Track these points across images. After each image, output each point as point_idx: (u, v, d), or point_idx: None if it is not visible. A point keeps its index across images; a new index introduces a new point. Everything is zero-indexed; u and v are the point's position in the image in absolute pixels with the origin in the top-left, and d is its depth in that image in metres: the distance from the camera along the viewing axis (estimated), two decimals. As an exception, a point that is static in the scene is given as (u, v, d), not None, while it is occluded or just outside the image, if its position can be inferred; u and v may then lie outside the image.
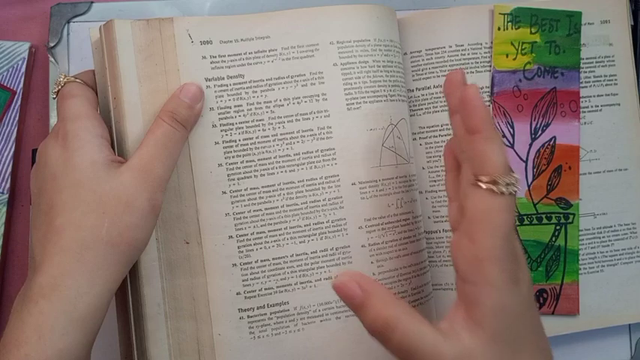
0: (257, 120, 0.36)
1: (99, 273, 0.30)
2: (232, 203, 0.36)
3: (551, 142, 0.42)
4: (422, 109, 0.42)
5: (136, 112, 0.35)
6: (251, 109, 0.36)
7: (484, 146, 0.28)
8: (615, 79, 0.43)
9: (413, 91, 0.42)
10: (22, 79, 0.43)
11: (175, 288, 0.35)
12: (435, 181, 0.41)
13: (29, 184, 0.34)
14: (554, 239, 0.42)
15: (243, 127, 0.36)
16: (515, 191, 0.27)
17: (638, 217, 0.43)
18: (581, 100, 0.43)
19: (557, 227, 0.42)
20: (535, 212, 0.42)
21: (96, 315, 0.30)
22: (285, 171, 0.36)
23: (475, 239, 0.27)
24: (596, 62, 0.43)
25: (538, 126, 0.42)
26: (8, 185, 0.42)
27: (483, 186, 0.27)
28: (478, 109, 0.28)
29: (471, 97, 0.28)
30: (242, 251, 0.36)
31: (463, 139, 0.29)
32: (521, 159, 0.42)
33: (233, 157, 0.36)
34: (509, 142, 0.42)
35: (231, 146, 0.36)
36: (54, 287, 0.29)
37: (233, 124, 0.36)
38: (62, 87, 0.34)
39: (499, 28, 0.42)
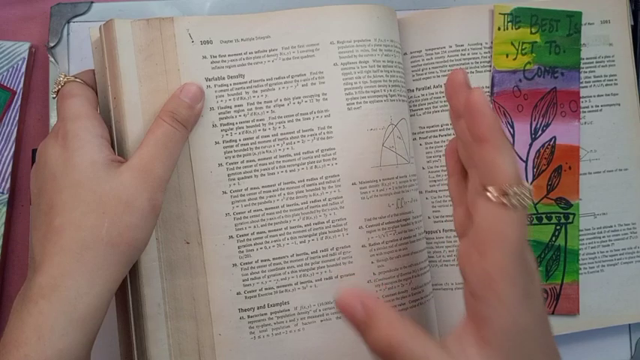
0: (257, 120, 0.36)
1: (99, 273, 0.30)
2: (233, 203, 0.36)
3: (552, 142, 0.42)
4: (422, 109, 0.42)
5: (136, 111, 0.35)
6: (251, 109, 0.36)
7: (493, 155, 0.26)
8: (615, 79, 0.43)
9: (413, 91, 0.42)
10: (22, 79, 0.43)
11: (175, 288, 0.35)
12: (435, 181, 0.41)
13: (29, 184, 0.34)
14: (554, 239, 0.42)
15: (243, 127, 0.36)
16: (528, 203, 0.26)
17: (638, 217, 0.43)
18: (581, 100, 0.43)
19: (558, 227, 0.42)
20: (535, 212, 0.42)
21: (96, 315, 0.30)
22: (286, 171, 0.36)
23: (485, 254, 0.26)
24: (597, 62, 0.43)
25: (538, 126, 0.42)
26: (8, 185, 0.42)
27: (493, 198, 0.26)
28: (485, 116, 0.26)
29: (476, 102, 0.27)
30: (242, 251, 0.36)
31: (469, 145, 0.28)
32: (521, 159, 0.42)
33: (233, 156, 0.36)
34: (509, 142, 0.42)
35: (232, 146, 0.36)
36: (54, 287, 0.29)
37: (233, 124, 0.36)
38: (62, 86, 0.34)
39: (499, 28, 0.42)
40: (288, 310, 0.36)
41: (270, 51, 0.37)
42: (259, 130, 0.36)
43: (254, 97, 0.36)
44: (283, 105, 0.37)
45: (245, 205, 0.36)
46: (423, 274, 0.39)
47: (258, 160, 0.36)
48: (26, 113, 0.44)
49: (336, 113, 0.37)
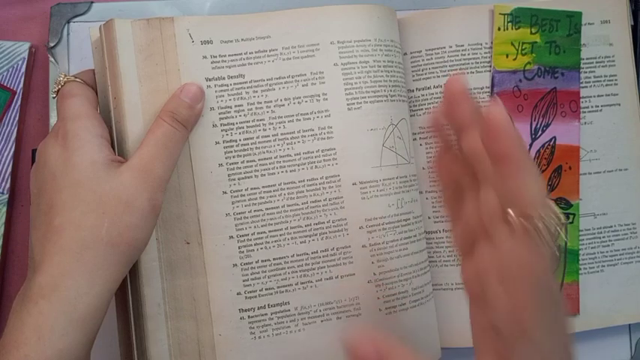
0: (258, 120, 0.36)
1: (99, 273, 0.30)
2: (233, 203, 0.36)
3: (552, 143, 0.42)
4: (422, 109, 0.42)
5: (137, 111, 0.34)
6: (251, 109, 0.36)
7: (516, 176, 0.24)
8: (615, 79, 0.43)
9: (413, 91, 0.42)
10: (22, 79, 0.43)
11: (176, 288, 0.35)
12: (435, 181, 0.41)
13: (29, 184, 0.34)
14: (554, 239, 0.42)
15: (243, 127, 0.36)
16: (559, 231, 0.23)
17: (638, 217, 0.43)
18: (581, 100, 0.43)
19: (558, 227, 0.42)
20: (535, 212, 0.42)
21: (96, 315, 0.30)
22: (286, 171, 0.36)
23: (509, 286, 0.24)
24: (597, 62, 0.43)
25: (538, 126, 0.42)
26: (8, 185, 0.42)
27: (515, 223, 0.23)
28: (508, 135, 0.24)
29: (499, 120, 0.24)
30: (243, 251, 0.36)
31: (481, 162, 0.25)
32: (521, 159, 0.42)
33: (234, 157, 0.36)
34: (509, 142, 0.42)
35: (232, 146, 0.36)
36: (53, 287, 0.29)
37: (234, 124, 0.36)
38: (62, 86, 0.34)
39: (499, 29, 0.42)
40: (289, 310, 0.36)
41: (270, 51, 0.37)
42: (259, 130, 0.36)
43: (254, 97, 0.36)
44: (283, 105, 0.37)
45: (245, 206, 0.36)
46: (424, 275, 0.39)
47: (259, 160, 0.36)
48: (26, 113, 0.44)
49: (336, 113, 0.37)
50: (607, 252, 0.43)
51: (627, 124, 0.43)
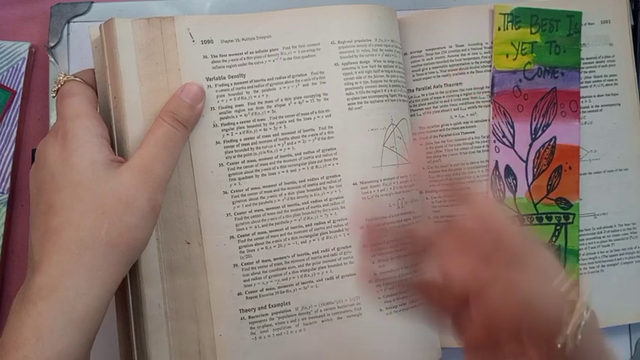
0: (258, 120, 0.36)
1: (98, 274, 0.29)
2: (233, 203, 0.36)
3: (552, 142, 0.42)
4: (422, 109, 0.42)
5: (137, 111, 0.34)
6: (252, 109, 0.36)
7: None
8: (615, 79, 0.43)
9: (413, 91, 0.42)
10: (22, 79, 0.43)
11: (176, 288, 0.35)
12: (435, 181, 0.41)
13: (29, 184, 0.34)
14: (554, 239, 0.42)
15: (244, 127, 0.36)
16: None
17: (638, 217, 0.43)
18: (581, 100, 0.43)
19: (558, 227, 0.42)
20: (535, 212, 0.42)
21: (95, 316, 0.29)
22: (287, 171, 0.36)
23: None
24: (597, 62, 0.43)
25: (538, 126, 0.42)
26: (8, 185, 0.42)
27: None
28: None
29: None
30: (243, 251, 0.36)
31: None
32: (521, 159, 0.42)
33: (234, 156, 0.36)
34: (509, 142, 0.42)
35: (233, 146, 0.36)
36: (52, 288, 0.29)
37: (234, 124, 0.36)
38: (62, 85, 0.34)
39: (499, 28, 0.42)
40: (289, 310, 0.36)
41: (271, 51, 0.37)
42: (260, 130, 0.36)
43: (255, 96, 0.36)
44: (284, 105, 0.37)
45: (246, 205, 0.36)
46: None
47: (259, 160, 0.36)
48: (26, 113, 0.44)
49: (337, 113, 0.37)
50: (607, 252, 0.43)
51: (627, 124, 0.43)
